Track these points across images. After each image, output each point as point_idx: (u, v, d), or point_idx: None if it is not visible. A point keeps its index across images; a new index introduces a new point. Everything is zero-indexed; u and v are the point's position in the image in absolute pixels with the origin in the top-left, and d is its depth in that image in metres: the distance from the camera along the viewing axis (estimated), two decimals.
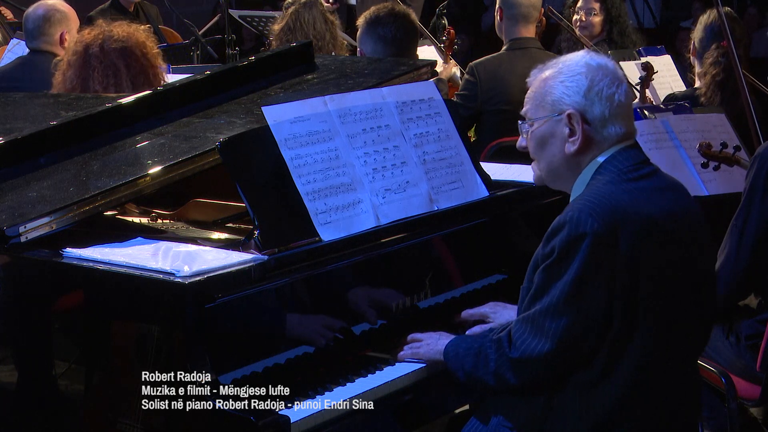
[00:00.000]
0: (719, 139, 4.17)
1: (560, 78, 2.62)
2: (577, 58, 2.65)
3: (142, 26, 3.80)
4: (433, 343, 2.80)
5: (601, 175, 2.60)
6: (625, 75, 2.70)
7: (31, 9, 5.54)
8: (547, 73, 2.66)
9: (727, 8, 5.03)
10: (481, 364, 2.62)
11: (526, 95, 2.71)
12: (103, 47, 3.63)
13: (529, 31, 5.28)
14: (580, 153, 2.62)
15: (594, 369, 2.53)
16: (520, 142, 2.74)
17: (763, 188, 3.39)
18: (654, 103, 5.04)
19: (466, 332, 2.92)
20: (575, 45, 6.01)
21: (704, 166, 4.01)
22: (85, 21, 7.18)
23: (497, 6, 5.28)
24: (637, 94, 5.16)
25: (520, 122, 2.73)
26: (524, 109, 2.71)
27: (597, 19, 5.96)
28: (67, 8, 5.57)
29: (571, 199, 2.65)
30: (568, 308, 2.49)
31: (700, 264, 2.66)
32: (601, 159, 2.61)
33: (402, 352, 2.84)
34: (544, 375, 2.56)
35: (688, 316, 2.61)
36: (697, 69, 4.88)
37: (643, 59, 5.39)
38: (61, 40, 5.38)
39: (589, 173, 2.62)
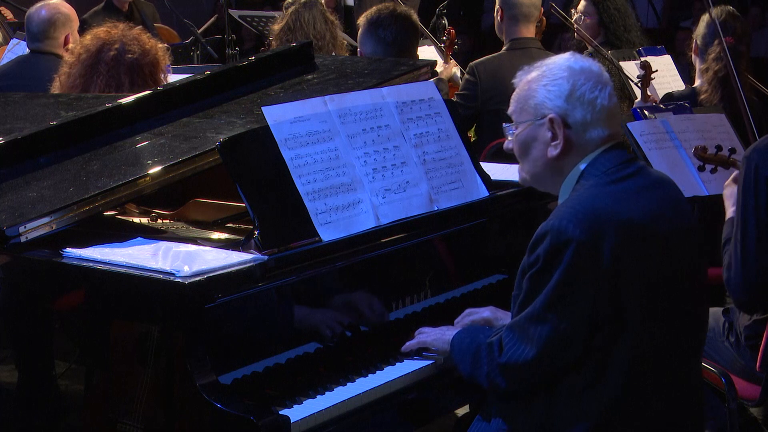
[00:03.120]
0: (719, 139, 4.17)
1: (543, 81, 2.62)
2: (561, 61, 2.66)
3: (161, 44, 3.74)
4: (440, 332, 2.82)
5: (584, 179, 2.60)
6: (611, 78, 2.70)
7: (34, 10, 5.53)
8: (531, 75, 2.66)
9: (729, 7, 5.04)
10: (477, 366, 2.64)
11: (512, 95, 2.71)
12: (115, 57, 3.57)
13: (530, 31, 5.28)
14: (563, 157, 2.62)
15: (587, 373, 2.53)
16: (506, 144, 2.75)
17: (753, 193, 3.38)
18: (656, 102, 5.04)
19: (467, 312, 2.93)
20: (580, 44, 6.02)
21: (701, 169, 4.01)
22: (80, 24, 7.18)
23: (497, 6, 5.27)
24: (638, 93, 5.16)
25: (505, 124, 2.73)
26: (510, 109, 2.71)
27: (590, 21, 5.96)
28: (69, 9, 5.57)
29: (558, 202, 2.65)
30: (550, 315, 2.49)
31: (689, 262, 2.65)
32: (583, 164, 2.61)
33: (409, 342, 2.85)
34: (531, 380, 2.57)
35: (678, 316, 2.60)
36: (699, 66, 4.89)
37: (643, 59, 5.39)
38: (65, 42, 5.38)
39: (574, 178, 2.62)
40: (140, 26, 3.86)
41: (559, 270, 2.47)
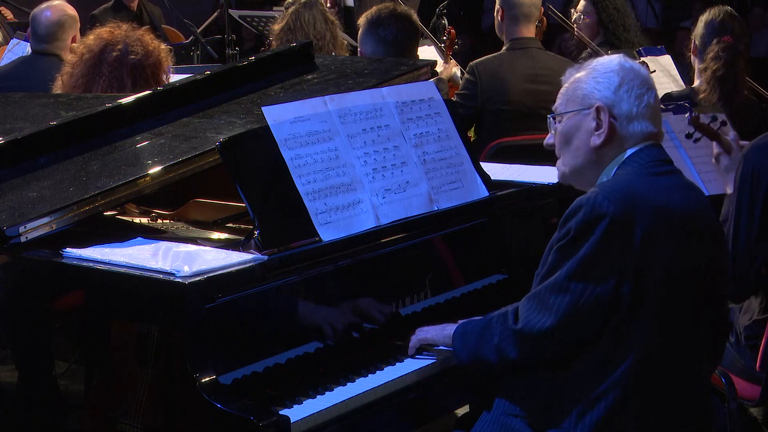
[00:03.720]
0: None
1: (593, 75, 2.69)
2: (612, 59, 2.73)
3: (164, 45, 3.73)
4: (440, 328, 2.83)
5: (623, 168, 2.64)
6: (654, 84, 2.75)
7: (39, 12, 5.52)
8: (581, 71, 2.73)
9: (727, 7, 5.05)
10: (485, 339, 2.64)
11: (559, 92, 2.77)
12: (118, 57, 3.56)
13: (530, 31, 5.28)
14: (605, 146, 2.66)
15: (596, 356, 2.53)
16: (548, 139, 2.81)
17: (749, 189, 3.40)
18: None
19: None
20: (579, 44, 6.02)
21: (688, 136, 3.99)
22: (89, 20, 7.20)
23: (497, 6, 5.27)
24: None
25: (549, 116, 2.78)
26: (555, 105, 2.77)
27: (589, 20, 5.96)
28: (73, 11, 5.57)
29: None
30: (573, 285, 2.51)
31: (714, 266, 2.68)
32: (625, 154, 2.65)
33: (411, 342, 2.85)
34: (544, 350, 2.58)
35: (696, 314, 2.61)
36: (697, 66, 4.89)
37: (642, 59, 5.39)
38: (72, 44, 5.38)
39: (613, 168, 2.66)
40: (146, 27, 3.86)
41: (589, 242, 2.50)
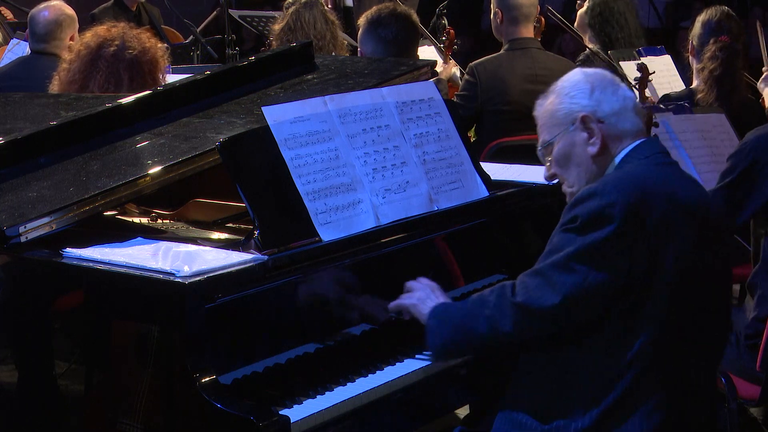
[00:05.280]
0: (718, 139, 4.18)
1: (563, 93, 2.69)
2: (572, 73, 2.74)
3: (161, 44, 3.73)
4: (424, 295, 2.78)
5: (627, 162, 2.64)
6: (625, 77, 2.76)
7: (38, 11, 5.53)
8: (550, 98, 2.73)
9: (724, 7, 5.06)
10: (474, 311, 2.61)
11: (538, 127, 2.75)
12: (115, 53, 3.56)
13: (529, 31, 5.28)
14: (603, 152, 2.66)
15: (606, 340, 2.52)
16: (545, 172, 2.78)
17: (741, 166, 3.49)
18: (654, 102, 5.04)
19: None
20: (579, 43, 6.02)
21: None
22: (88, 19, 7.20)
23: (495, 9, 5.27)
24: (637, 95, 5.16)
25: (539, 150, 2.76)
26: (539, 140, 2.75)
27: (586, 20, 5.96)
28: (72, 11, 5.58)
29: None
30: (581, 266, 2.49)
31: (721, 250, 2.68)
32: (626, 150, 2.65)
33: (392, 303, 2.84)
34: (541, 328, 2.56)
35: (705, 301, 2.61)
36: (695, 66, 4.90)
37: (643, 59, 5.40)
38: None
39: (616, 164, 2.65)
40: (146, 26, 3.86)
41: (600, 230, 2.48)
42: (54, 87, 3.74)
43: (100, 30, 3.65)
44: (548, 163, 2.75)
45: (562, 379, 2.59)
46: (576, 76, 2.71)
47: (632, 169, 2.61)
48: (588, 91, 2.65)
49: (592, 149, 2.65)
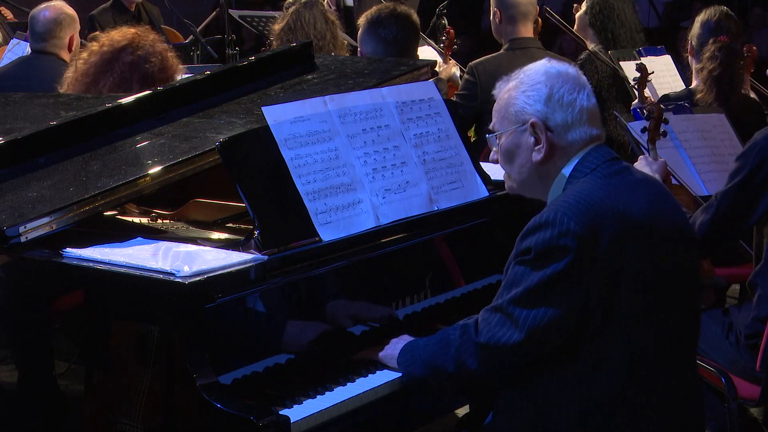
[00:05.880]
0: (718, 139, 4.18)
1: (522, 88, 2.64)
2: (537, 67, 2.68)
3: (181, 66, 3.66)
4: (392, 346, 2.79)
5: (576, 177, 2.61)
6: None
7: (37, 11, 5.52)
8: (510, 84, 2.69)
9: (723, 7, 5.06)
10: (441, 351, 2.61)
11: (493, 108, 2.73)
12: (133, 61, 3.51)
13: (528, 30, 5.28)
14: (547, 160, 2.63)
15: (582, 365, 2.52)
16: (492, 155, 2.77)
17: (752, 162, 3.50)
18: (654, 102, 5.04)
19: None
20: (579, 45, 6.02)
21: (643, 130, 3.99)
22: (87, 21, 7.20)
23: (494, 9, 5.27)
24: (637, 95, 5.17)
25: (488, 135, 2.74)
26: (492, 122, 2.73)
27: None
28: (72, 11, 5.57)
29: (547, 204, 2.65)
30: (541, 300, 2.48)
31: (683, 260, 2.66)
32: (570, 166, 2.62)
33: (360, 354, 2.82)
34: (509, 364, 2.55)
35: (672, 314, 2.60)
36: (695, 66, 4.90)
37: (643, 59, 5.40)
38: (69, 44, 5.37)
39: (562, 181, 2.63)
40: (147, 26, 3.83)
41: (555, 264, 2.46)
42: (68, 73, 3.69)
43: (130, 32, 3.58)
44: (495, 148, 2.73)
45: (539, 412, 2.58)
46: (539, 72, 2.64)
47: (582, 188, 2.55)
48: (545, 96, 2.60)
49: (537, 156, 2.62)
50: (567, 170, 2.62)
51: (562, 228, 2.47)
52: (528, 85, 2.64)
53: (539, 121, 2.61)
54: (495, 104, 2.72)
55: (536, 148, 2.62)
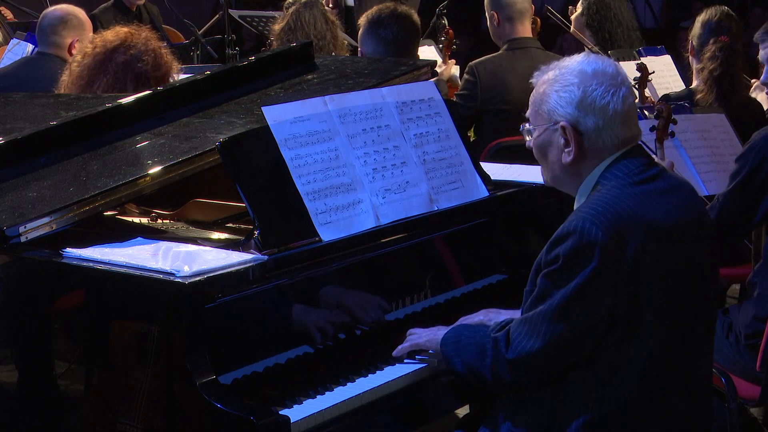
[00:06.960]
0: (718, 140, 4.18)
1: (555, 87, 2.61)
2: (573, 64, 2.63)
3: (176, 63, 3.66)
4: (432, 333, 2.80)
5: (604, 182, 2.59)
6: (625, 77, 2.70)
7: (49, 9, 5.51)
8: (546, 76, 2.66)
9: (724, 7, 5.06)
10: (480, 358, 2.62)
11: (531, 96, 2.72)
12: (126, 61, 3.50)
13: (526, 29, 5.29)
14: (577, 162, 2.62)
15: (599, 372, 2.52)
16: (528, 143, 2.76)
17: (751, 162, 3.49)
18: (654, 102, 5.05)
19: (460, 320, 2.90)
20: (580, 43, 6.02)
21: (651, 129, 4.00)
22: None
23: (490, 12, 5.27)
24: (637, 95, 5.16)
25: (523, 124, 2.74)
26: (528, 111, 2.72)
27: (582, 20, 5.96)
28: (85, 18, 5.52)
29: (575, 205, 2.64)
30: (567, 314, 2.49)
31: (706, 267, 2.66)
32: (600, 168, 2.61)
33: (401, 345, 2.83)
34: (538, 374, 2.57)
35: (691, 318, 2.61)
36: (695, 66, 4.90)
37: (643, 59, 5.40)
38: (70, 47, 5.34)
39: (591, 182, 2.62)
40: (148, 27, 3.82)
41: (581, 272, 2.46)
42: (64, 77, 3.69)
43: (122, 32, 3.57)
44: (528, 138, 2.72)
45: (552, 415, 2.58)
46: (574, 72, 2.60)
47: (610, 194, 2.54)
48: (577, 99, 2.57)
49: (566, 158, 2.61)
50: (598, 171, 2.61)
51: (590, 237, 2.46)
52: (561, 84, 2.60)
53: (569, 124, 2.58)
54: (532, 93, 2.70)
55: (566, 150, 2.61)
